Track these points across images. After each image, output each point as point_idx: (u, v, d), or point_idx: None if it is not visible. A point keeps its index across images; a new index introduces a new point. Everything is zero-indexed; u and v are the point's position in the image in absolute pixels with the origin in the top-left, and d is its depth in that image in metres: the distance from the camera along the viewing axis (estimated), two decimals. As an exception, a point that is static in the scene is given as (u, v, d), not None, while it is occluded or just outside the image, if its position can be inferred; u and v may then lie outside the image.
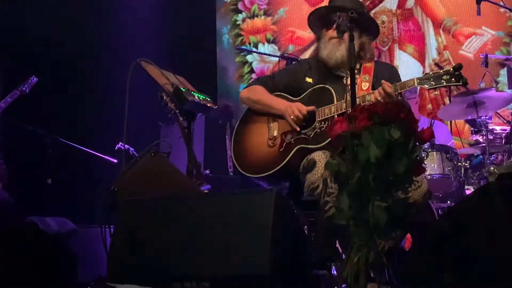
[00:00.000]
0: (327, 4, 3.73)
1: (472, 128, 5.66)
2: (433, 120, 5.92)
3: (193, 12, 7.81)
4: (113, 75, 6.27)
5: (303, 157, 3.34)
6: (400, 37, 7.29)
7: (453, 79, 3.20)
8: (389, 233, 2.41)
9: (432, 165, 4.94)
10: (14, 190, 5.06)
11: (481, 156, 5.29)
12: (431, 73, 3.27)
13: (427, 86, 3.23)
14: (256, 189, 3.63)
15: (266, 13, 7.97)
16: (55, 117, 6.46)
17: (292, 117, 3.48)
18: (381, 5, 7.41)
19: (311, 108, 3.46)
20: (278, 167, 3.45)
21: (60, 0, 6.91)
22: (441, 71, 3.25)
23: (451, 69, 3.22)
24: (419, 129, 2.38)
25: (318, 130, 3.41)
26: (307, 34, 7.58)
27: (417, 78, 3.26)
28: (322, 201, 3.11)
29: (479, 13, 5.14)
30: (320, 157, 3.23)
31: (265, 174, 3.49)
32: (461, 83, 3.20)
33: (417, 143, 2.38)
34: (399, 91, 3.27)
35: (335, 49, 3.54)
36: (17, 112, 5.79)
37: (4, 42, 6.68)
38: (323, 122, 3.41)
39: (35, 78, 5.89)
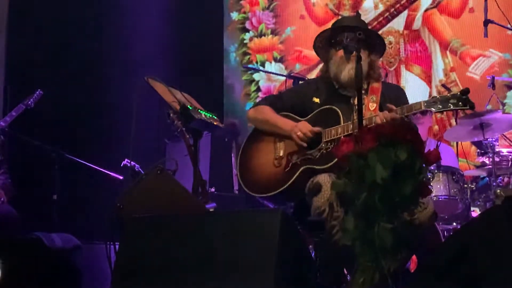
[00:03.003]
0: (333, 25, 3.74)
1: (478, 150, 5.64)
2: (439, 142, 5.91)
3: (200, 30, 7.85)
4: (120, 91, 6.29)
5: (309, 178, 3.32)
6: (407, 58, 7.29)
7: (460, 103, 3.17)
8: (394, 255, 2.40)
9: (438, 187, 4.93)
10: (20, 205, 5.06)
11: (487, 178, 5.27)
12: (438, 96, 3.25)
13: (434, 109, 3.19)
14: (261, 208, 3.63)
15: (273, 32, 7.99)
16: (61, 133, 6.46)
17: (298, 134, 3.46)
18: (388, 26, 7.42)
19: (317, 129, 3.45)
20: (283, 187, 3.44)
21: (68, 15, 6.95)
22: (448, 94, 3.23)
23: (459, 93, 3.19)
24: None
25: (324, 151, 3.40)
26: (314, 53, 7.58)
27: (424, 102, 3.24)
28: (329, 225, 3.10)
29: (486, 35, 5.15)
30: (325, 181, 3.20)
31: (270, 193, 3.48)
32: (468, 107, 3.17)
33: (424, 165, 2.38)
34: (405, 114, 3.26)
35: (344, 68, 3.54)
36: (23, 127, 5.80)
37: (10, 57, 6.72)
38: (329, 143, 3.40)
39: (40, 92, 5.88)
